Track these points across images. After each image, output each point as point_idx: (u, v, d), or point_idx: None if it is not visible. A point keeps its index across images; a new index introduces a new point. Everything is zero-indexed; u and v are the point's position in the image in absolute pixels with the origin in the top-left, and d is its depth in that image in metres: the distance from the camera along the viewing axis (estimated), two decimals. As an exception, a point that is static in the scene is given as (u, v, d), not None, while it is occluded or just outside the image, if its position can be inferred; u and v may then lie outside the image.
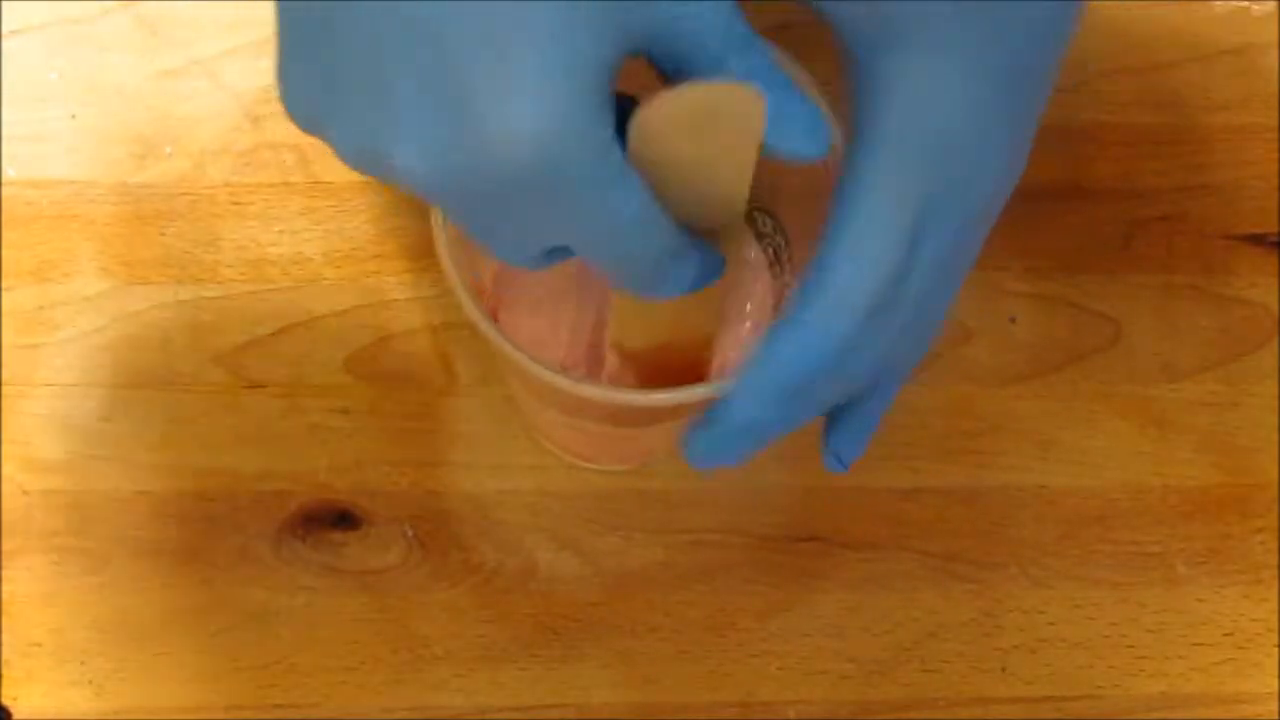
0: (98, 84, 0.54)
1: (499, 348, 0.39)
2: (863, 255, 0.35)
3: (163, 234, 0.52)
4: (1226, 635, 0.51)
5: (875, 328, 0.36)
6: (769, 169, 0.35)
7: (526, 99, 0.30)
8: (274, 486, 0.50)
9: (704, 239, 0.35)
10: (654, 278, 0.34)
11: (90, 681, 0.48)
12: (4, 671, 0.48)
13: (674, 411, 0.41)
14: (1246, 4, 0.56)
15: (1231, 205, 0.55)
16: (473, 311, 0.39)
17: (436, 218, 0.38)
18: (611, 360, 0.43)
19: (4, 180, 0.52)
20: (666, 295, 0.35)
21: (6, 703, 0.48)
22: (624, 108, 0.31)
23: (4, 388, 0.51)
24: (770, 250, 0.47)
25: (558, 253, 0.34)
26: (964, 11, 0.35)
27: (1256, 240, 0.55)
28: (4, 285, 0.51)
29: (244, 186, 0.53)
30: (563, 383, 0.39)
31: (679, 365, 0.42)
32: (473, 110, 0.30)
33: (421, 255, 0.52)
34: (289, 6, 0.32)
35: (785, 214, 0.47)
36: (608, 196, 0.31)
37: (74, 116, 0.53)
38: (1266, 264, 0.54)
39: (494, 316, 0.44)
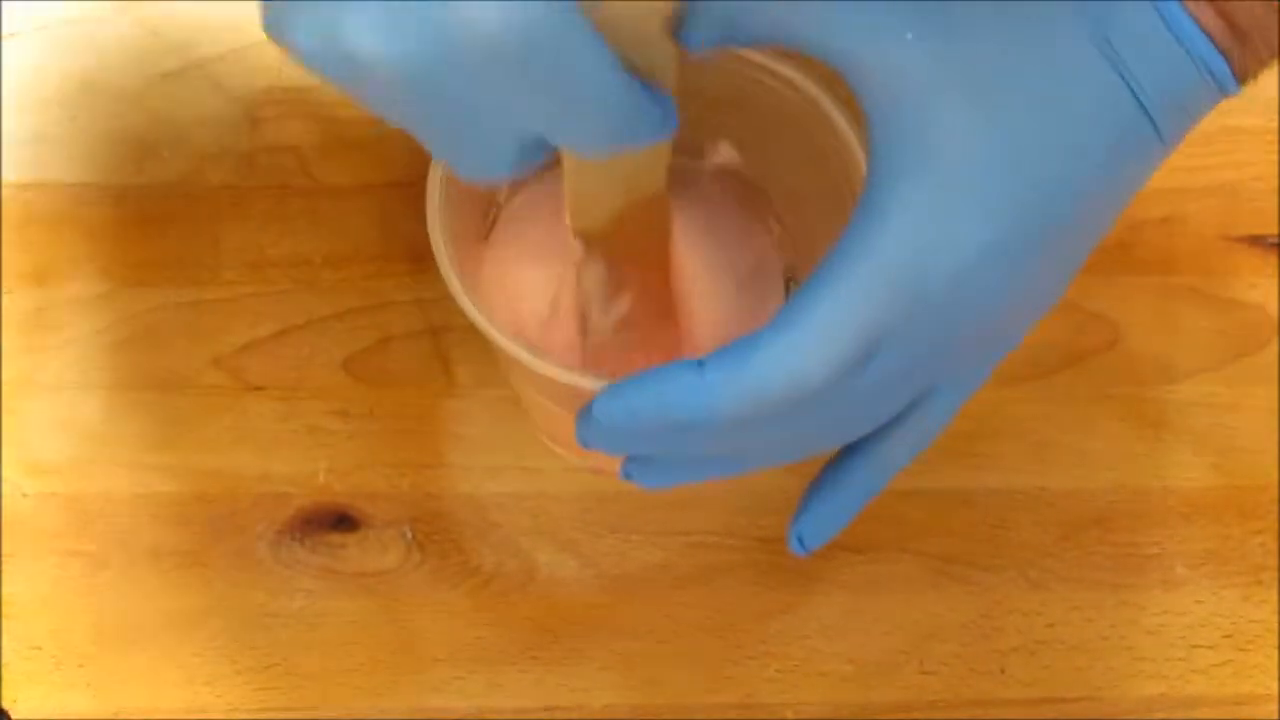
0: (98, 86, 0.54)
1: (472, 314, 0.40)
2: (786, 358, 0.36)
3: (163, 236, 0.52)
4: (1226, 637, 0.51)
5: (789, 418, 0.36)
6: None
7: None
8: (273, 488, 0.50)
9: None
10: (627, 124, 0.34)
11: (89, 683, 0.48)
12: (3, 673, 0.48)
13: None
14: (1246, 5, 0.56)
15: (1231, 206, 0.55)
16: (451, 281, 0.40)
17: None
18: (591, 277, 0.44)
19: (4, 182, 0.52)
20: (637, 140, 0.34)
21: (6, 705, 0.48)
22: None
23: (4, 389, 0.51)
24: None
25: (526, 151, 0.34)
26: (988, 149, 0.35)
27: (1256, 241, 0.55)
28: (4, 287, 0.52)
29: (244, 188, 0.53)
30: (524, 357, 0.39)
31: (645, 249, 0.43)
32: None
33: (421, 257, 0.52)
34: None
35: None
36: (580, 51, 0.31)
37: (74, 119, 0.53)
38: (1266, 265, 0.54)
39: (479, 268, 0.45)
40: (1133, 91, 0.36)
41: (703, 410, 0.36)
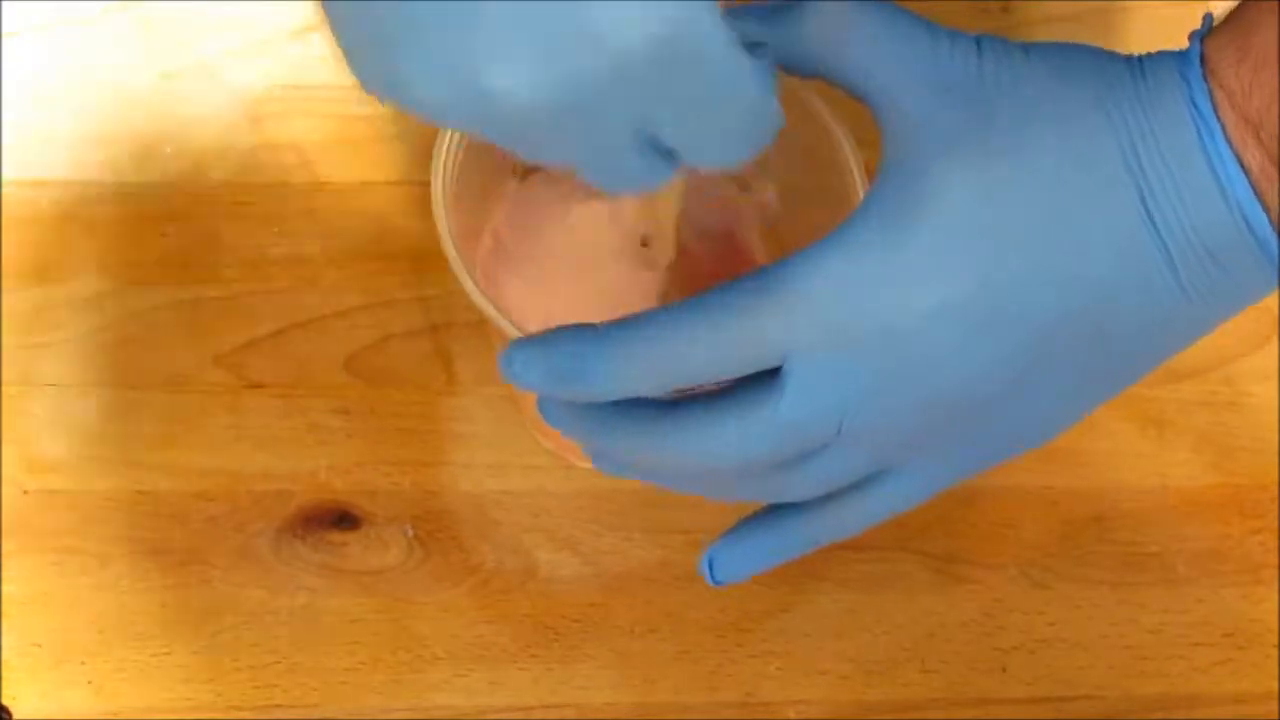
0: (98, 84, 0.54)
1: (484, 308, 0.40)
2: (672, 335, 0.35)
3: (163, 234, 0.52)
4: (1226, 636, 0.51)
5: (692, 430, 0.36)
6: None
7: None
8: (274, 486, 0.50)
9: None
10: (756, 127, 0.33)
11: (90, 681, 0.48)
12: (4, 672, 0.48)
13: None
14: (1246, 5, 0.56)
15: (1231, 206, 0.55)
16: (468, 285, 0.40)
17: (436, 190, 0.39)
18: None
19: (4, 180, 0.52)
20: (762, 143, 0.34)
21: (6, 702, 0.48)
22: None
23: (4, 388, 0.51)
24: None
25: (657, 161, 0.34)
26: (975, 215, 0.34)
27: (1256, 241, 0.55)
28: (4, 285, 0.51)
29: (244, 187, 0.53)
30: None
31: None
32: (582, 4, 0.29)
33: (422, 255, 0.52)
34: None
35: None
36: (732, 58, 0.31)
37: (74, 117, 0.53)
38: (1266, 264, 0.54)
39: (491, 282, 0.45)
40: (1149, 212, 0.33)
41: (587, 368, 0.36)
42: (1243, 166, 0.32)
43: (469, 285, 0.42)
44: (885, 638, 0.50)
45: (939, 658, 0.50)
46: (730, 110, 0.32)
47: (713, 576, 0.41)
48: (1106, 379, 0.37)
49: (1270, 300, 0.54)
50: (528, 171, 0.47)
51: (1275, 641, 0.51)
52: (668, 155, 0.33)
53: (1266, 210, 0.33)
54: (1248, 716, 0.50)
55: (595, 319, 0.46)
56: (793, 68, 0.38)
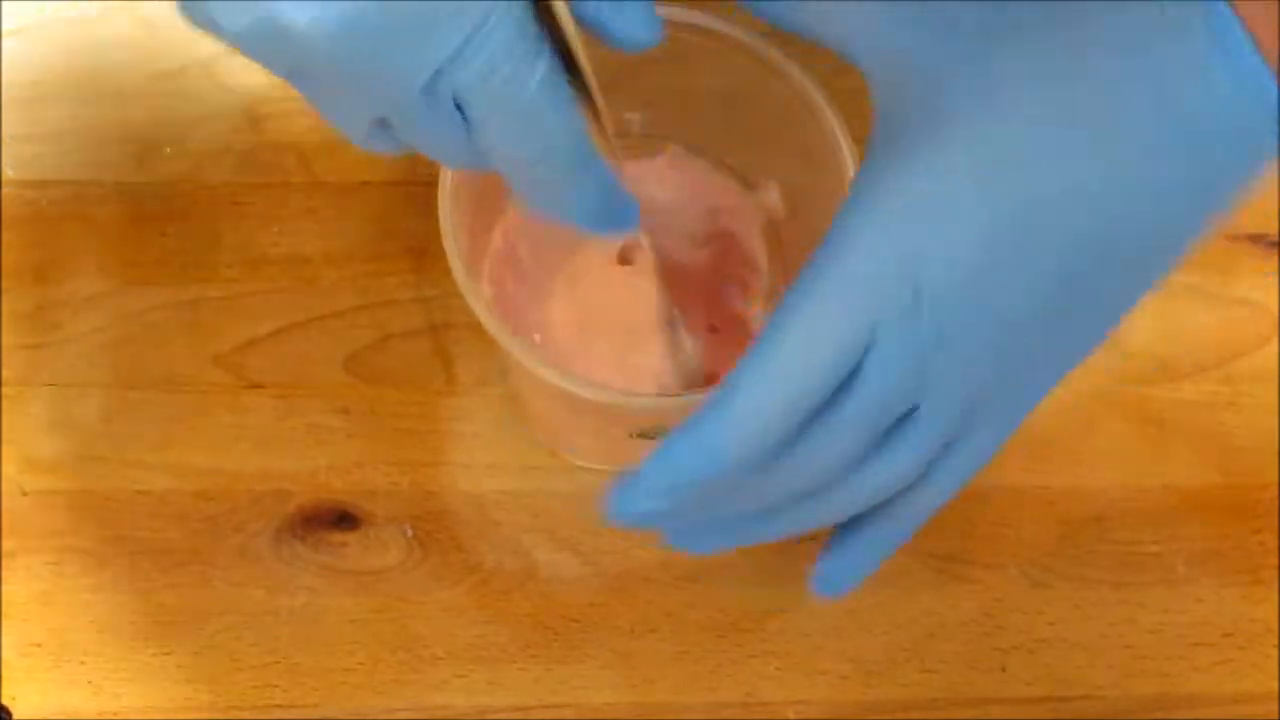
0: (98, 84, 0.54)
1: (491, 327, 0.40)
2: (772, 378, 0.35)
3: (163, 234, 0.52)
4: (1226, 635, 0.51)
5: (801, 449, 0.35)
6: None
7: None
8: (273, 486, 0.50)
9: None
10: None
11: (90, 681, 0.48)
12: (4, 671, 0.48)
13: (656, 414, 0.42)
14: (1246, 4, 0.56)
15: (1231, 205, 0.55)
16: (470, 293, 0.40)
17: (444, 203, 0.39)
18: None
19: (4, 180, 0.52)
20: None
21: (6, 702, 0.48)
22: None
23: (4, 388, 0.51)
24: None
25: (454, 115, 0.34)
26: (994, 140, 0.34)
27: (1256, 240, 0.55)
28: (4, 285, 0.51)
29: (244, 186, 0.53)
30: (551, 374, 0.39)
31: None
32: None
33: (422, 255, 0.52)
34: None
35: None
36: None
37: (74, 116, 0.53)
38: (1266, 264, 0.54)
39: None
40: (1161, 99, 0.33)
41: (718, 456, 0.35)
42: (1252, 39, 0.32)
43: (467, 289, 0.42)
44: (885, 638, 0.50)
45: (939, 658, 0.50)
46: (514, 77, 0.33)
47: (828, 589, 0.41)
48: (1135, 277, 0.36)
49: (1270, 300, 0.54)
50: None
51: (1275, 641, 0.51)
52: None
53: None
54: (1248, 716, 0.50)
55: (597, 326, 0.46)
56: (775, 20, 0.37)
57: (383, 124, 0.35)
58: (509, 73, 0.33)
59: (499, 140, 0.34)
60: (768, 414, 0.35)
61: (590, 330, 0.47)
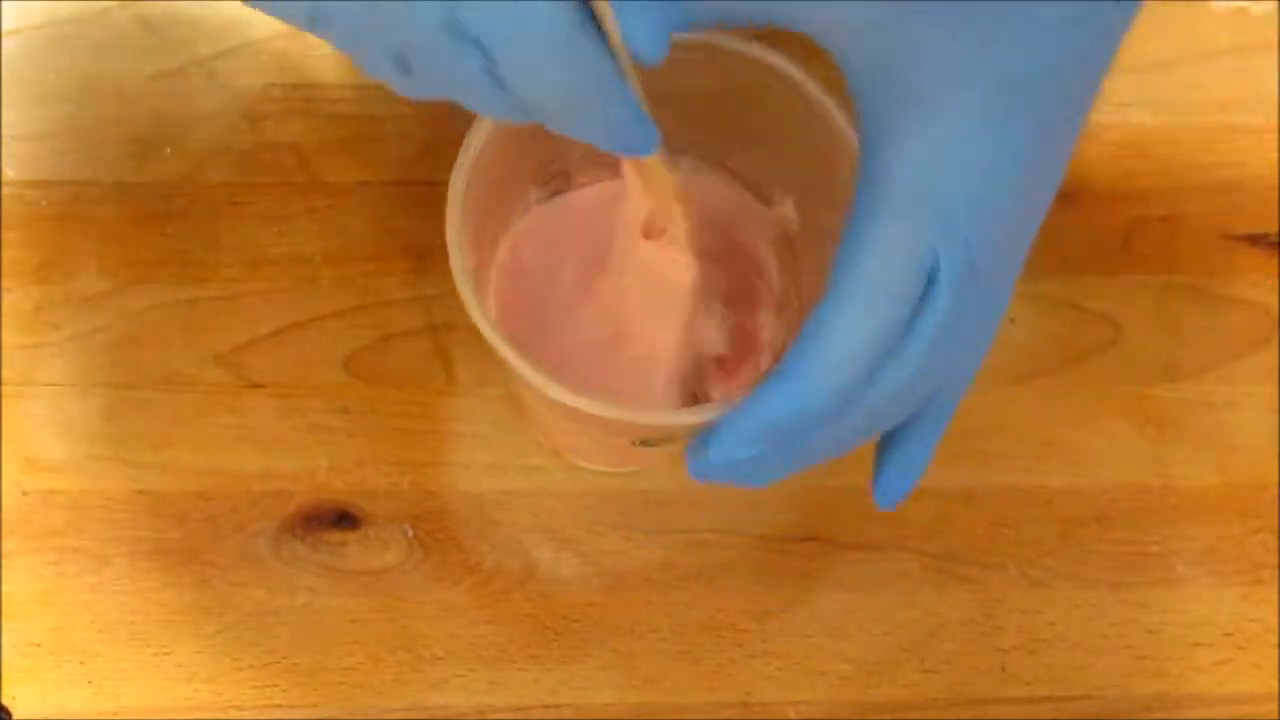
0: (97, 84, 0.54)
1: (500, 351, 0.39)
2: (858, 317, 0.36)
3: (163, 234, 0.52)
4: (1226, 635, 0.51)
5: (879, 380, 0.36)
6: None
7: None
8: (274, 486, 0.50)
9: None
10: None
11: (90, 681, 0.48)
12: (4, 671, 0.48)
13: (668, 431, 0.42)
14: (1245, 4, 0.56)
15: (1231, 205, 0.55)
16: (474, 311, 0.39)
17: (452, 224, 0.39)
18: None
19: (4, 180, 0.52)
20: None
21: (6, 702, 0.48)
22: None
23: (4, 388, 0.51)
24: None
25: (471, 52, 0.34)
26: (978, 65, 0.35)
27: (1256, 240, 0.55)
28: (4, 285, 0.51)
29: (243, 186, 0.53)
30: (558, 393, 0.39)
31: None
32: None
33: (422, 255, 0.52)
34: None
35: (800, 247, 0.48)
36: None
37: (73, 116, 0.53)
38: (1266, 264, 0.54)
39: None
40: None
41: (815, 395, 0.36)
42: None
43: (466, 295, 0.41)
44: (885, 638, 0.50)
45: (939, 658, 0.50)
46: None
47: (889, 503, 0.42)
48: (1081, 114, 0.38)
49: (1270, 300, 0.54)
50: (549, 178, 0.47)
51: (1275, 641, 0.51)
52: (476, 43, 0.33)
53: None
54: (1248, 716, 0.50)
55: (600, 338, 0.46)
56: (735, 18, 0.38)
57: (406, 67, 0.35)
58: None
59: (521, 72, 0.34)
60: (855, 346, 0.36)
61: (602, 332, 0.47)
